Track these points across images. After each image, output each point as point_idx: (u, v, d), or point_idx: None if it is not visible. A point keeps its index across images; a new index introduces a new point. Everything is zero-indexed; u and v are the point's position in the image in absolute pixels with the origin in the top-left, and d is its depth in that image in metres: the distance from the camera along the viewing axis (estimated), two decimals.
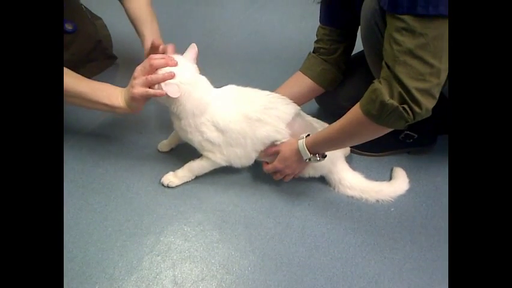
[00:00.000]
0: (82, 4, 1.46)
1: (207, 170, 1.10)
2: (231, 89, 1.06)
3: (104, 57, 1.51)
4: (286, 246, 0.99)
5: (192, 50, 1.03)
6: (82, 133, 1.26)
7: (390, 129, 0.84)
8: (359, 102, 0.85)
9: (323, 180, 1.14)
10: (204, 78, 1.03)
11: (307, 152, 0.97)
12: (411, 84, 0.75)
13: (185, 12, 1.27)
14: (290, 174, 1.07)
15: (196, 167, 1.09)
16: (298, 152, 0.99)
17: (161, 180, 1.09)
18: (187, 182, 1.12)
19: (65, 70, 1.01)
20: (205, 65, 1.08)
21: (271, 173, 1.08)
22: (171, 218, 1.05)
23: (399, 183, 1.11)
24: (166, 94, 0.93)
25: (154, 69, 0.96)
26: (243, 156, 1.05)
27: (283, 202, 1.09)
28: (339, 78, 1.18)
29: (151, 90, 0.96)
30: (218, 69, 1.21)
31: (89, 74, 1.44)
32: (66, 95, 0.99)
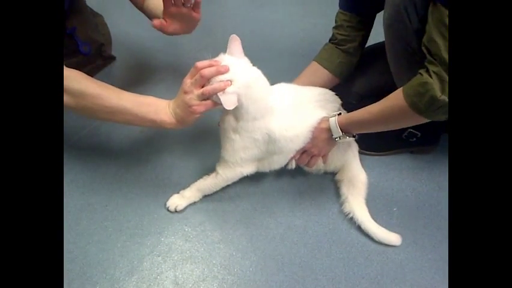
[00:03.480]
0: (87, 6, 1.46)
1: (219, 187, 1.05)
2: (283, 89, 1.00)
3: (102, 59, 1.51)
4: (287, 247, 0.99)
5: (235, 42, 0.92)
6: (82, 133, 1.26)
7: (429, 120, 0.82)
8: (401, 91, 0.83)
9: (325, 179, 1.13)
10: (260, 73, 0.93)
11: (339, 130, 0.95)
12: None
13: None
14: (316, 155, 1.03)
15: (208, 184, 1.04)
16: (327, 131, 0.97)
17: (167, 206, 1.04)
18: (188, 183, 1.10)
19: (105, 84, 0.94)
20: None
21: (297, 157, 1.04)
22: (172, 219, 1.04)
23: (392, 236, 1.00)
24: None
25: (205, 79, 0.87)
26: (281, 159, 1.02)
27: (284, 202, 1.09)
28: (352, 70, 1.17)
29: (211, 104, 0.89)
30: None
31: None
32: (109, 112, 0.92)
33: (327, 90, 1.07)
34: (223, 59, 0.90)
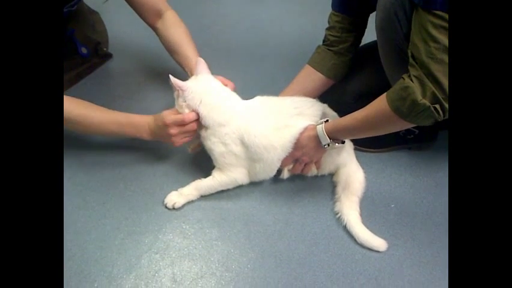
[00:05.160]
0: (84, 4, 1.45)
1: (215, 190, 1.06)
2: (258, 101, 1.05)
3: (99, 57, 1.51)
4: (285, 243, 0.99)
5: (200, 64, 1.05)
6: None
7: (415, 125, 0.83)
8: (385, 96, 0.83)
9: (322, 178, 1.13)
10: (217, 85, 1.03)
11: (327, 137, 0.95)
12: (447, 83, 0.74)
13: (182, 8, 1.25)
14: (309, 163, 1.05)
15: (205, 185, 1.05)
16: (316, 138, 0.97)
17: (165, 202, 1.05)
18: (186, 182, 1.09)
19: (88, 106, 1.04)
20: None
21: (290, 167, 1.06)
22: (170, 216, 1.04)
23: (376, 240, 0.98)
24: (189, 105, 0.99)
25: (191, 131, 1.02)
26: (266, 168, 1.02)
27: (282, 199, 1.09)
28: (348, 70, 1.18)
29: (187, 138, 1.04)
30: (216, 65, 1.20)
31: (83, 74, 1.45)
32: (93, 132, 1.08)
33: (306, 98, 1.07)
34: (195, 78, 1.04)
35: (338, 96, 1.20)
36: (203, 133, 1.01)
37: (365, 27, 1.15)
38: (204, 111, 0.98)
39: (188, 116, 0.98)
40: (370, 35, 1.16)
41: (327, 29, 1.16)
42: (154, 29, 1.23)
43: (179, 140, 1.03)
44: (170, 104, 1.04)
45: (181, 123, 0.99)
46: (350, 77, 1.20)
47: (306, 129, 0.99)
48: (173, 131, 1.00)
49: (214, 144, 1.00)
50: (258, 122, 0.99)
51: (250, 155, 0.99)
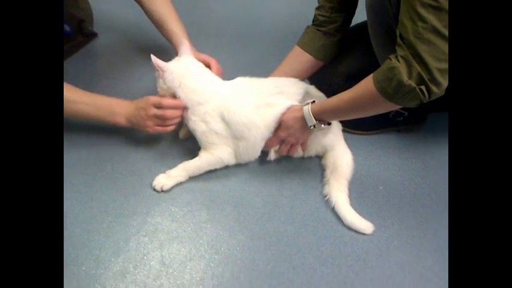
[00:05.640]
0: None
1: (203, 170, 1.06)
2: (239, 81, 1.06)
3: (83, 35, 1.47)
4: (274, 226, 0.99)
5: (184, 46, 1.05)
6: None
7: (400, 107, 0.83)
8: (372, 77, 0.82)
9: (312, 160, 1.13)
10: (202, 68, 1.04)
11: (313, 118, 0.94)
12: (433, 64, 0.73)
13: None
14: (295, 144, 1.04)
15: (192, 165, 1.05)
16: (302, 119, 0.96)
17: (153, 185, 1.03)
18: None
19: (65, 88, 1.01)
20: (191, 42, 1.06)
21: (276, 149, 1.06)
22: (158, 199, 1.03)
23: (362, 222, 0.98)
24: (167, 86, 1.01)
25: (168, 119, 1.03)
26: (249, 148, 1.02)
27: (272, 181, 1.09)
28: (337, 51, 1.16)
29: (161, 128, 1.04)
30: (205, 44, 1.18)
31: (68, 54, 1.41)
32: (69, 115, 1.03)
33: (288, 78, 1.07)
34: (178, 59, 1.05)
35: (328, 77, 1.18)
36: (185, 114, 1.03)
37: (355, 7, 1.13)
38: (182, 94, 1.00)
39: (176, 101, 1.00)
40: (361, 16, 1.14)
41: (317, 8, 1.14)
42: (138, 2, 1.21)
43: (153, 126, 1.03)
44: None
45: (173, 106, 1.00)
46: (340, 58, 1.18)
47: (290, 109, 0.99)
48: (152, 111, 1.00)
49: (196, 124, 1.01)
50: (238, 100, 1.00)
51: (232, 132, 1.00)
